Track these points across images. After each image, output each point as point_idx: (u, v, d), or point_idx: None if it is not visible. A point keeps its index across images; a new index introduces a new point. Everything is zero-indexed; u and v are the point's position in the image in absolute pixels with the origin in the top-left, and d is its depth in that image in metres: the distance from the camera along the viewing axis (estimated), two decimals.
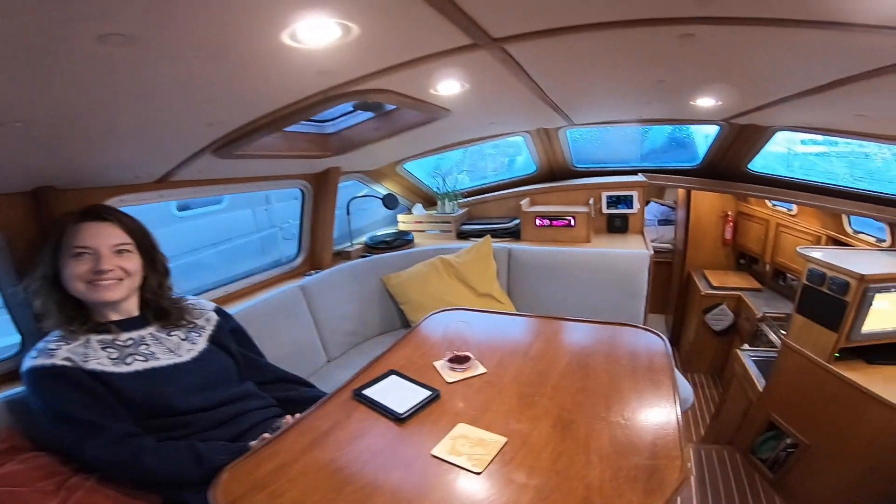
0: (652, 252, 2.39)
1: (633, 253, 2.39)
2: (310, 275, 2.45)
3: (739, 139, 2.85)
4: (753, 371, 2.49)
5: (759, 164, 3.08)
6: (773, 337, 3.00)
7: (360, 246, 2.87)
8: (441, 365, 1.46)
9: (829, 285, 1.87)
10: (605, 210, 2.99)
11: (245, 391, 1.32)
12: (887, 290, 1.75)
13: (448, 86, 1.48)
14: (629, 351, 1.47)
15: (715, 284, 3.77)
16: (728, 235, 4.01)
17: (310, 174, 2.38)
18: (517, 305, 2.59)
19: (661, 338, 1.53)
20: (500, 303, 2.57)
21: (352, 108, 2.08)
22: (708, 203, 4.01)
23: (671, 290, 4.54)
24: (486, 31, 0.99)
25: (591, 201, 2.91)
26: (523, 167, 3.68)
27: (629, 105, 2.39)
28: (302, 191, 2.45)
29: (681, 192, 4.20)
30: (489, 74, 1.40)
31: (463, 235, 3.09)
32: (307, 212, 2.49)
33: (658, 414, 1.15)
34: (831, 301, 1.86)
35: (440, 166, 3.44)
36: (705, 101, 2.04)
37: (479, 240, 2.72)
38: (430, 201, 3.46)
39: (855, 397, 1.75)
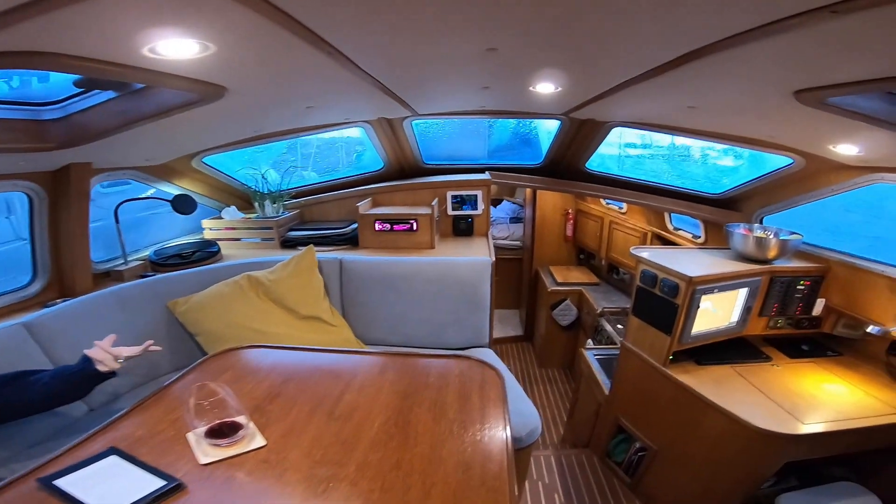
0: (493, 259, 2.19)
1: (475, 260, 2.15)
2: (54, 304, 1.75)
3: (579, 135, 2.85)
4: (598, 370, 2.47)
5: (596, 163, 3.15)
6: (609, 330, 3.09)
7: (140, 263, 2.18)
8: (196, 438, 1.02)
9: (661, 287, 1.84)
10: (450, 211, 2.75)
11: None
12: (711, 291, 1.75)
13: (176, 46, 0.98)
14: (460, 394, 1.19)
15: (559, 280, 3.86)
16: (569, 232, 4.15)
17: (38, 173, 1.68)
18: (353, 326, 2.19)
19: (495, 371, 1.28)
20: (332, 325, 2.14)
21: (78, 88, 1.45)
22: (551, 201, 4.11)
23: (522, 287, 4.60)
24: None
25: (435, 202, 2.65)
26: (371, 163, 3.29)
27: (469, 87, 2.11)
28: (29, 196, 1.72)
29: (528, 190, 4.24)
30: (242, 26, 0.95)
31: (289, 244, 2.60)
32: (40, 224, 1.76)
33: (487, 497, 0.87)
34: (664, 304, 1.83)
35: (256, 160, 2.84)
36: (545, 87, 1.86)
37: (304, 249, 2.25)
38: (249, 203, 2.87)
39: (693, 402, 1.73)
